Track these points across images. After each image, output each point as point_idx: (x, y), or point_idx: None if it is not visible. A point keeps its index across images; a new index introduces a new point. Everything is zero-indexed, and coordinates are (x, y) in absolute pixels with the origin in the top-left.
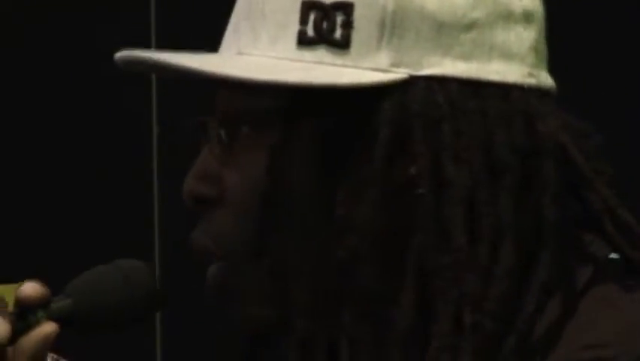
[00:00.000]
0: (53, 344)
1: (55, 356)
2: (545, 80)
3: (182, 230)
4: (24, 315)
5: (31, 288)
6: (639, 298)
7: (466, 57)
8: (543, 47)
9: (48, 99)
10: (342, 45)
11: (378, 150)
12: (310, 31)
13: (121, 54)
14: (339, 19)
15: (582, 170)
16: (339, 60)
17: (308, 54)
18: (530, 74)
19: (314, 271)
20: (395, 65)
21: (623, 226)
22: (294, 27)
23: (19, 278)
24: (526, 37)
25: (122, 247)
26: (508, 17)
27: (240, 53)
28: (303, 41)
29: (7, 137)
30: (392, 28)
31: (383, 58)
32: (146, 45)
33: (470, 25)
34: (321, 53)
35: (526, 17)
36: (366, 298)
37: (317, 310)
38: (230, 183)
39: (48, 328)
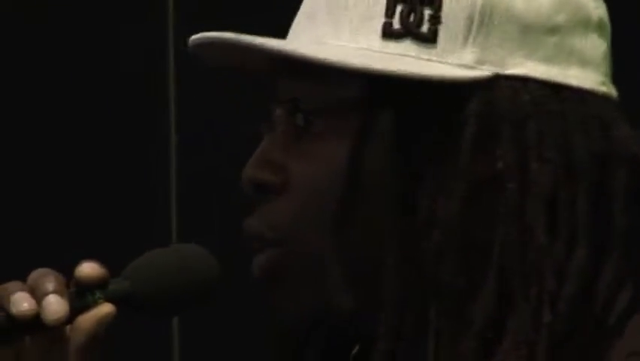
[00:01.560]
0: (109, 325)
1: None
2: (612, 89)
3: (198, 236)
4: (82, 294)
5: (89, 267)
6: None
7: (547, 60)
8: (610, 57)
9: (69, 108)
10: (429, 39)
11: (465, 146)
12: (396, 23)
13: (202, 35)
14: (427, 13)
15: None
16: (424, 54)
17: (393, 46)
18: (603, 83)
19: (399, 264)
20: (480, 62)
21: None
22: (380, 19)
23: None
24: (600, 45)
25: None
26: (586, 24)
27: (318, 43)
28: (389, 34)
29: (25, 139)
30: (479, 25)
31: (469, 54)
32: (163, 51)
33: (553, 29)
34: (407, 46)
35: (601, 26)
36: (450, 293)
37: (404, 302)
38: (299, 172)
39: (105, 308)
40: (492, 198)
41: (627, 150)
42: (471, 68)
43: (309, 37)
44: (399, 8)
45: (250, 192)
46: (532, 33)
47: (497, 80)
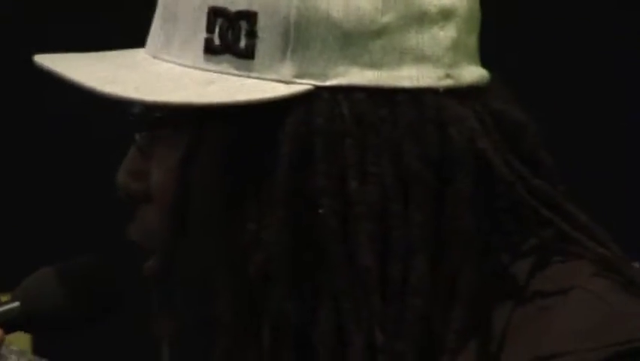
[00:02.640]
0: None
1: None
2: (469, 76)
3: None
4: None
5: None
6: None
7: (375, 65)
8: (468, 42)
9: (71, 111)
10: (247, 55)
11: (281, 167)
12: (216, 39)
13: (36, 57)
14: (244, 28)
15: (501, 173)
16: (243, 71)
17: (213, 64)
18: (447, 75)
19: (230, 286)
20: (299, 76)
21: (547, 224)
22: (202, 34)
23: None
24: (443, 36)
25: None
26: (421, 19)
27: (154, 57)
28: (210, 50)
29: (21, 142)
30: (296, 38)
31: (287, 69)
32: None
33: (379, 32)
34: (227, 63)
35: (444, 16)
36: (283, 319)
37: (238, 326)
38: (154, 179)
39: None
40: (314, 222)
41: (469, 147)
42: (289, 83)
43: (152, 50)
44: (218, 23)
45: (124, 200)
46: (355, 39)
47: (318, 93)
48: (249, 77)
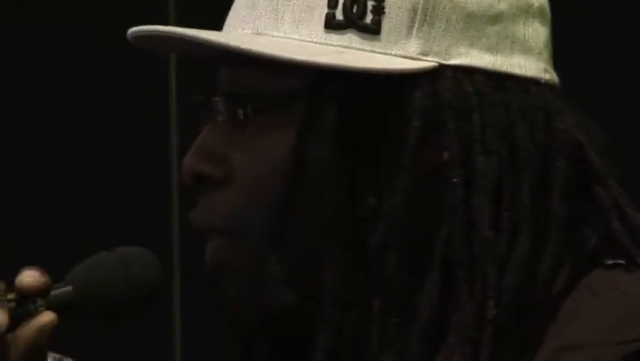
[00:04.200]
0: (52, 333)
1: (57, 356)
2: (555, 75)
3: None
4: (23, 303)
5: (30, 276)
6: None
7: (491, 49)
8: (552, 43)
9: (74, 114)
10: (372, 30)
11: (410, 138)
12: (339, 14)
13: (138, 29)
14: (370, 4)
15: (596, 167)
16: (368, 46)
17: (336, 38)
18: (546, 70)
19: (341, 258)
20: (424, 53)
21: (630, 224)
22: (322, 10)
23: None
24: (542, 32)
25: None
26: (527, 11)
27: (258, 34)
28: (331, 25)
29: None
30: (423, 16)
31: (413, 45)
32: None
33: (496, 17)
34: (350, 38)
35: (542, 13)
36: (393, 287)
37: (346, 297)
38: (242, 163)
39: (46, 318)
40: (436, 192)
41: (569, 139)
42: (415, 59)
43: (250, 28)
44: None
45: (190, 183)
46: (476, 22)
47: (442, 70)
48: (373, 51)
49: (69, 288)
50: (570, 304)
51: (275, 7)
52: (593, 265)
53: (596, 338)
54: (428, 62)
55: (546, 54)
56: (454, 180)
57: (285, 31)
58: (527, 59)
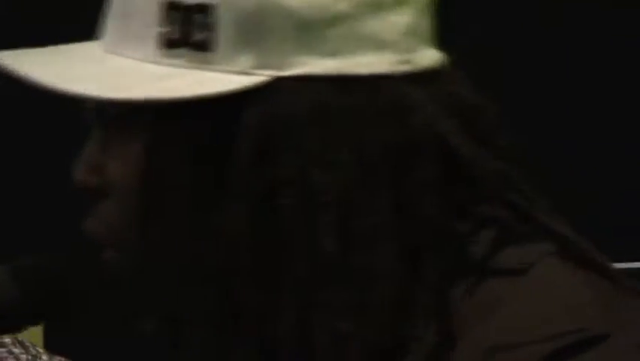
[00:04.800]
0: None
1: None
2: (427, 60)
3: None
4: None
5: None
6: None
7: (333, 53)
8: (423, 25)
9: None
10: (205, 48)
11: (243, 159)
12: (173, 32)
13: None
14: (201, 20)
15: (465, 158)
16: (202, 63)
17: (171, 57)
18: (404, 61)
19: (192, 279)
20: (259, 67)
21: (512, 207)
22: (157, 29)
23: None
24: (399, 22)
25: None
26: (376, 5)
27: (107, 52)
28: (167, 44)
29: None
30: (254, 29)
31: (246, 60)
32: None
33: (335, 20)
34: (185, 56)
35: (399, 2)
36: (246, 313)
37: (203, 318)
38: (113, 172)
39: None
40: (278, 213)
41: (428, 132)
42: (249, 74)
43: (104, 45)
44: (174, 16)
45: (84, 194)
46: (312, 28)
47: (279, 83)
48: (208, 69)
49: None
50: (480, 304)
51: (120, 24)
52: (486, 266)
53: (524, 336)
54: (262, 76)
55: (405, 43)
56: (288, 201)
57: (130, 48)
58: (378, 55)
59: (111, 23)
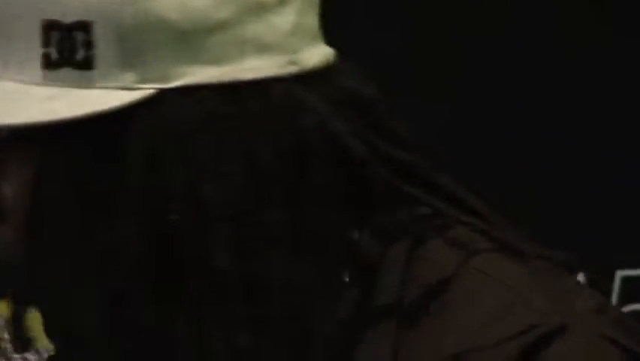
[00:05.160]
0: None
1: None
2: (314, 58)
3: None
4: None
5: None
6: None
7: (216, 61)
8: (309, 23)
9: None
10: (86, 66)
11: (131, 175)
12: (54, 53)
13: None
14: (80, 38)
15: (358, 155)
16: (85, 82)
17: (54, 77)
18: (291, 62)
19: (88, 298)
20: (142, 81)
21: (409, 203)
22: (39, 49)
23: None
24: (282, 22)
25: None
26: (261, 8)
27: None
28: (48, 64)
29: None
30: (133, 43)
31: (128, 76)
32: None
33: (216, 27)
34: (67, 76)
35: (280, 1)
36: (142, 331)
37: (94, 342)
38: (6, 196)
39: None
40: (169, 228)
41: (320, 133)
42: (132, 89)
43: None
44: (54, 36)
45: None
46: (192, 38)
47: (161, 96)
48: (92, 87)
49: None
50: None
51: (3, 47)
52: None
53: (482, 340)
54: (145, 91)
55: (291, 44)
56: (179, 215)
57: (12, 73)
58: (263, 58)
59: None
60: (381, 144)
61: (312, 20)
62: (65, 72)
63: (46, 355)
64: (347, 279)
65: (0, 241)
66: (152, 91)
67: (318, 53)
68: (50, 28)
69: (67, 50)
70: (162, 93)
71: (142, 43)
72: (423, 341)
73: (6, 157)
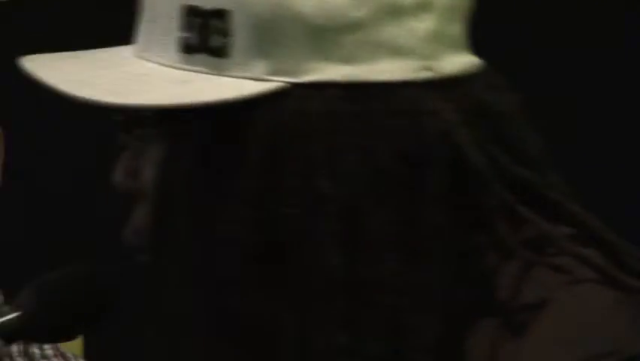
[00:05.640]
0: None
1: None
2: (451, 66)
3: None
4: None
5: None
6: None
7: (349, 60)
8: (451, 31)
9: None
10: (221, 53)
11: (250, 166)
12: (191, 38)
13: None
14: (218, 26)
15: (476, 168)
16: (218, 69)
17: (190, 62)
18: (425, 67)
19: (195, 286)
20: (273, 73)
21: (520, 222)
22: (177, 33)
23: None
24: (420, 27)
25: None
26: (395, 11)
27: (138, 56)
28: (185, 48)
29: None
30: (269, 35)
31: (261, 66)
32: None
33: (352, 26)
34: (202, 61)
35: (421, 6)
36: (246, 323)
37: (200, 329)
38: (145, 177)
39: None
40: (283, 222)
41: (443, 141)
42: (263, 80)
43: (135, 46)
44: (193, 22)
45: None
46: (328, 35)
47: (290, 90)
48: (223, 75)
49: (16, 314)
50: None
51: (147, 28)
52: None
53: (560, 357)
54: (275, 83)
55: (427, 49)
56: (294, 208)
57: (155, 52)
58: (396, 61)
59: (141, 27)
60: (502, 158)
61: (456, 28)
62: (200, 58)
63: None
64: (455, 283)
65: (135, 222)
66: (282, 84)
67: (457, 61)
68: (190, 13)
69: (204, 36)
70: (291, 87)
71: (277, 35)
72: (516, 350)
73: (145, 138)
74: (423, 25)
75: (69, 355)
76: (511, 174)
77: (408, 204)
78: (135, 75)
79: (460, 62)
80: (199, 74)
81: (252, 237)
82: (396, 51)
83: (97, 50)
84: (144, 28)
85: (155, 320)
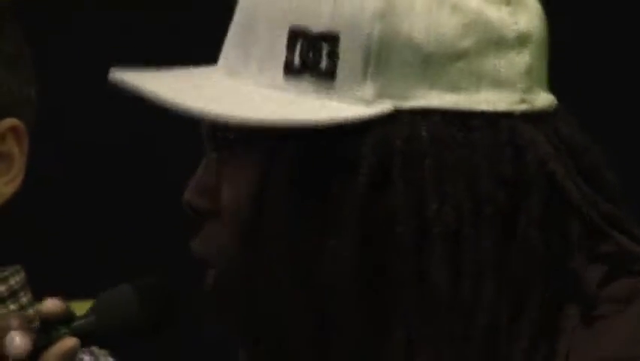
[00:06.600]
0: (74, 358)
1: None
2: (541, 100)
3: None
4: (47, 331)
5: (52, 304)
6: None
7: (453, 88)
8: (540, 67)
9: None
10: (328, 76)
11: (359, 187)
12: (297, 60)
13: (115, 74)
14: (326, 49)
15: (570, 198)
16: (323, 91)
17: (293, 83)
18: (522, 100)
19: (295, 303)
20: (380, 96)
21: (618, 245)
22: (282, 55)
23: None
24: (520, 61)
25: None
26: (499, 44)
27: (229, 74)
28: (290, 70)
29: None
30: (377, 59)
31: (368, 89)
32: None
33: (458, 55)
34: (307, 83)
35: (521, 41)
36: (347, 340)
37: (301, 337)
38: (225, 196)
39: (69, 342)
40: (388, 241)
41: (541, 170)
42: (370, 103)
43: (227, 66)
44: (299, 44)
45: (190, 214)
46: (436, 62)
47: (397, 115)
48: (329, 97)
49: (93, 318)
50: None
51: (245, 47)
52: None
53: (636, 351)
54: (382, 106)
55: (524, 83)
56: (400, 228)
57: (252, 71)
58: (498, 92)
59: (232, 48)
60: (589, 192)
61: (544, 65)
62: (305, 80)
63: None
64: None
65: (212, 238)
66: (388, 108)
67: (545, 97)
68: (298, 35)
69: (312, 58)
70: (397, 111)
71: (386, 59)
72: (593, 339)
73: (229, 159)
74: (522, 59)
75: (96, 352)
76: (599, 208)
77: (507, 229)
78: (239, 93)
79: (547, 97)
80: (303, 96)
81: (358, 256)
82: (498, 83)
83: (182, 70)
84: (238, 48)
85: (250, 334)
